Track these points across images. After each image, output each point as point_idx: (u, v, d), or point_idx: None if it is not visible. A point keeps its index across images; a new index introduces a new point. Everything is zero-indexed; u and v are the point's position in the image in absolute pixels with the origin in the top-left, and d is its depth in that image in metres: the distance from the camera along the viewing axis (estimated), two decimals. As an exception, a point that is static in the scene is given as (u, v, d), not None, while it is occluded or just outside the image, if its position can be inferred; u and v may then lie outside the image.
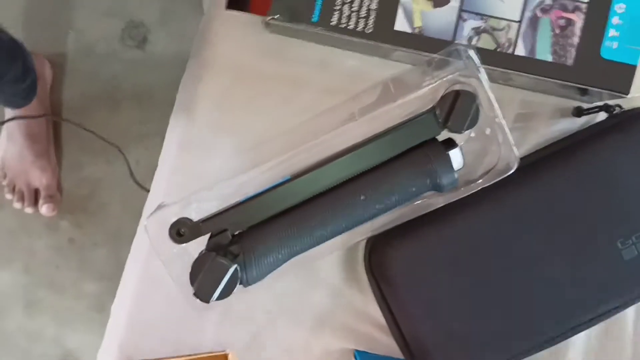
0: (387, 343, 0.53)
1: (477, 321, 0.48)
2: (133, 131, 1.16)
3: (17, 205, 1.14)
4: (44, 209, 1.14)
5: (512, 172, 0.47)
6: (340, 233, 0.46)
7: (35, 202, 1.15)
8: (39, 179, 1.13)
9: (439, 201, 0.48)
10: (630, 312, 0.55)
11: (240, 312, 0.54)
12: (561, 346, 0.54)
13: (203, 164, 0.54)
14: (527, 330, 0.48)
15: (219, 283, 0.43)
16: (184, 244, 0.46)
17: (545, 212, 0.48)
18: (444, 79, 0.46)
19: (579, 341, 0.55)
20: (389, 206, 0.46)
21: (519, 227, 0.48)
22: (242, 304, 0.54)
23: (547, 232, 0.48)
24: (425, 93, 0.47)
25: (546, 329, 0.48)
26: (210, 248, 0.45)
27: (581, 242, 0.48)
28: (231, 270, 0.43)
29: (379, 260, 0.49)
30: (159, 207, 0.48)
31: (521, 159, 0.51)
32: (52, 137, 1.15)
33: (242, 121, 0.54)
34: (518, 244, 0.48)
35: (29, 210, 1.14)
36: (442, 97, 0.45)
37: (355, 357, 0.54)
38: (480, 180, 0.47)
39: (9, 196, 1.14)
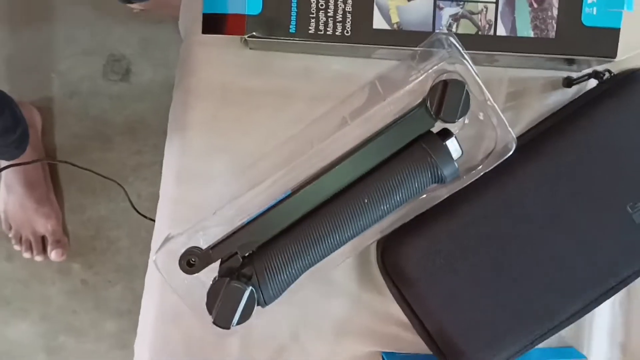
0: (413, 340, 0.53)
1: (498, 307, 0.48)
2: (130, 164, 1.16)
3: (26, 255, 1.14)
4: (53, 254, 1.14)
5: (512, 153, 0.47)
6: (349, 239, 0.46)
7: (43, 249, 1.15)
8: (44, 225, 1.13)
9: (443, 193, 0.48)
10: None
11: (261, 332, 0.54)
12: (585, 317, 0.54)
13: (204, 190, 0.54)
14: (550, 309, 0.48)
15: (237, 307, 0.43)
16: (196, 274, 0.46)
17: (550, 188, 0.48)
18: (430, 70, 0.46)
19: (603, 309, 0.55)
20: (393, 205, 0.46)
21: (527, 206, 0.48)
22: (263, 323, 0.54)
23: (555, 207, 0.48)
24: (413, 87, 0.47)
25: (568, 305, 0.48)
26: (222, 274, 0.45)
27: (591, 213, 0.47)
28: (247, 293, 0.43)
29: (393, 260, 0.49)
30: (166, 239, 0.48)
31: (518, 137, 0.51)
32: (50, 182, 1.15)
33: (236, 141, 0.54)
34: (528, 224, 0.48)
35: (38, 258, 1.14)
36: (431, 89, 0.45)
37: (383, 359, 0.54)
38: (480, 166, 0.47)
39: (16, 247, 1.14)
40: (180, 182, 0.54)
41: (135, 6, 1.07)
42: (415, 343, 0.53)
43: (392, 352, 0.54)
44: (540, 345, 0.54)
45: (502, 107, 0.54)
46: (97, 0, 1.13)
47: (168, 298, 0.54)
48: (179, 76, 0.55)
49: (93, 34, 1.15)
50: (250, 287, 0.43)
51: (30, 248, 1.14)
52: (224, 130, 0.54)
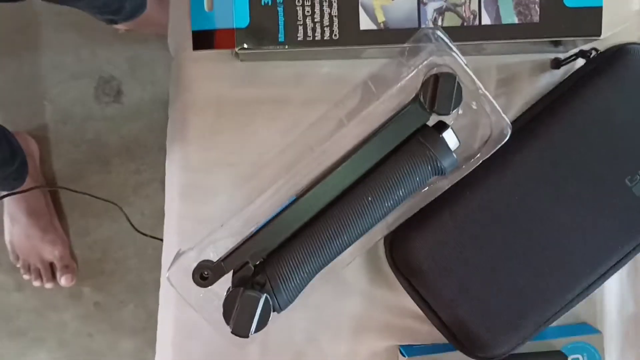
0: (428, 331, 0.54)
1: (509, 291, 0.48)
2: (130, 183, 1.16)
3: (36, 283, 1.15)
4: (63, 280, 1.14)
5: (508, 138, 0.48)
6: (357, 238, 0.47)
7: (52, 276, 1.16)
8: (51, 252, 1.14)
9: (444, 184, 0.49)
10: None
11: (279, 337, 0.55)
12: (596, 292, 0.55)
13: (209, 203, 0.54)
14: (559, 288, 0.48)
15: (254, 315, 0.43)
16: (210, 286, 0.47)
17: (549, 169, 0.48)
18: (421, 65, 0.47)
19: (612, 283, 0.55)
20: (397, 201, 0.46)
21: (528, 189, 0.48)
22: (280, 328, 0.55)
23: (555, 187, 0.48)
24: (405, 84, 0.47)
25: (577, 282, 0.48)
26: (236, 284, 0.46)
27: (591, 190, 0.48)
28: (262, 300, 0.44)
29: (402, 255, 0.50)
30: (177, 256, 0.49)
31: (512, 122, 0.52)
32: (53, 209, 1.16)
33: (236, 153, 0.54)
34: (531, 206, 0.48)
35: (48, 285, 1.15)
36: (423, 84, 0.46)
37: (400, 352, 0.54)
38: (479, 154, 0.48)
39: (26, 277, 1.15)
40: (184, 197, 0.55)
41: (119, 27, 1.08)
42: (431, 334, 0.54)
43: (409, 345, 0.55)
44: (556, 324, 0.55)
45: (494, 94, 0.55)
46: (80, 24, 1.14)
47: (184, 313, 0.54)
48: (173, 93, 0.56)
49: (80, 58, 1.16)
50: (265, 294, 0.44)
51: (39, 276, 1.15)
52: (223, 142, 0.54)
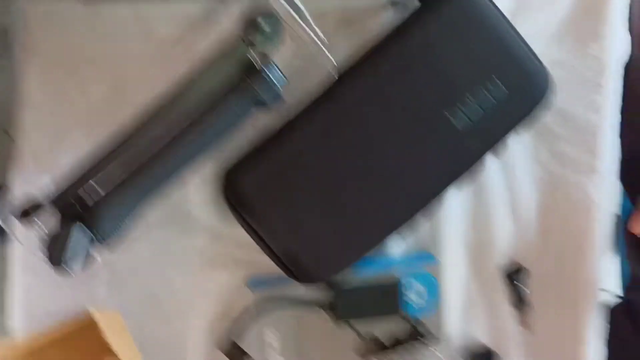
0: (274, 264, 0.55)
1: (338, 220, 0.50)
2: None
3: None
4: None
5: (342, 76, 0.50)
6: (179, 169, 0.48)
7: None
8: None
9: (275, 119, 0.50)
10: (494, 171, 0.58)
11: (126, 270, 0.56)
12: (439, 221, 0.57)
13: (52, 145, 0.55)
14: (388, 215, 0.51)
15: (66, 244, 0.44)
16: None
17: (376, 103, 0.50)
18: (242, 5, 0.48)
19: (453, 211, 0.57)
20: (220, 132, 0.48)
21: (356, 123, 0.50)
22: (126, 267, 0.56)
23: (383, 121, 0.50)
24: (229, 23, 0.49)
25: (402, 211, 0.51)
26: (58, 217, 0.46)
27: (415, 121, 0.50)
28: (75, 229, 0.45)
29: (233, 190, 0.51)
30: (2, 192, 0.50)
31: (351, 61, 0.53)
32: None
33: (78, 94, 0.55)
34: (359, 140, 0.50)
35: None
36: (244, 22, 0.47)
37: (248, 284, 0.56)
38: (308, 94, 0.50)
39: None
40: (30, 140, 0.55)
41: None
42: (276, 267, 0.55)
43: (256, 279, 0.56)
44: (399, 254, 0.57)
45: (334, 34, 0.54)
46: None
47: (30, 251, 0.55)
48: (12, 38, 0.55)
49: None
50: (77, 223, 0.45)
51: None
52: (64, 84, 0.55)
